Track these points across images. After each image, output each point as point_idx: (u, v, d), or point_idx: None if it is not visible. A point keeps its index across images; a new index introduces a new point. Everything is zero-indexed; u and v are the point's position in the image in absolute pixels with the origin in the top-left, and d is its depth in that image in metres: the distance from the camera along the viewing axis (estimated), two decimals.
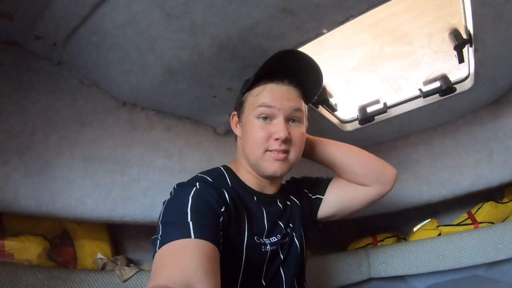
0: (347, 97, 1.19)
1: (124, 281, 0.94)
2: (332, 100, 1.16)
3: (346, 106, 1.24)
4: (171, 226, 0.57)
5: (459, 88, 1.05)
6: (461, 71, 1.03)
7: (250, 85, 0.74)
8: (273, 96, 0.72)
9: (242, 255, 0.69)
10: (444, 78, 1.04)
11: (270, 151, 0.72)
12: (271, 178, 0.77)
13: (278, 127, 0.71)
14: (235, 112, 0.81)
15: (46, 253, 0.93)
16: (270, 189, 0.81)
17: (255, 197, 0.77)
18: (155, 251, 0.55)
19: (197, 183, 0.67)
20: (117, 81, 0.96)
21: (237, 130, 0.81)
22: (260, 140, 0.72)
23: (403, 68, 1.03)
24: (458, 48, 0.88)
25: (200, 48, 0.82)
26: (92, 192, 0.92)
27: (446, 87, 1.03)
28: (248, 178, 0.78)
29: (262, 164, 0.73)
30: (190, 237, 0.54)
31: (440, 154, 1.32)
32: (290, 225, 0.82)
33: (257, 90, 0.74)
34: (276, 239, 0.76)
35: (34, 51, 0.89)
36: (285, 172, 0.74)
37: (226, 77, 0.92)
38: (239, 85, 0.90)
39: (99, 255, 0.99)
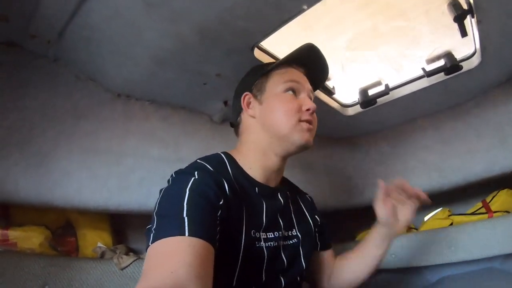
0: (347, 80, 1.15)
1: (122, 269, 0.96)
2: (330, 83, 1.12)
3: (347, 90, 1.20)
4: (165, 220, 0.57)
5: (466, 65, 0.98)
6: (467, 47, 0.96)
7: (272, 68, 0.80)
8: (298, 75, 0.81)
9: (240, 249, 0.67)
10: (448, 55, 0.97)
11: (302, 121, 0.76)
12: (300, 150, 0.78)
13: (306, 100, 0.78)
14: (247, 93, 0.81)
15: (48, 242, 0.97)
16: (273, 181, 0.80)
17: (256, 188, 0.75)
18: (148, 244, 0.55)
19: (196, 172, 0.65)
20: (110, 74, 0.99)
21: (249, 111, 0.80)
22: (293, 110, 0.76)
23: (402, 46, 0.98)
24: (459, 20, 0.81)
25: (183, 36, 0.81)
26: (89, 182, 0.95)
27: (451, 64, 0.96)
28: (252, 167, 0.77)
29: (295, 135, 0.75)
30: (184, 234, 0.53)
31: (450, 138, 1.24)
32: (296, 228, 0.81)
33: (282, 69, 0.81)
34: (273, 236, 0.73)
35: (31, 50, 0.94)
36: (312, 143, 0.79)
37: (213, 63, 0.92)
38: (228, 70, 0.95)
39: (99, 244, 1.02)
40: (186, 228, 0.53)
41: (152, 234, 0.55)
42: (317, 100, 1.11)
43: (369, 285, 1.45)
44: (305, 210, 0.90)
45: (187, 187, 0.60)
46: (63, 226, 1.06)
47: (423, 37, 0.93)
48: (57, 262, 0.92)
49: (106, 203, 0.96)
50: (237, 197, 0.68)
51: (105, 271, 0.95)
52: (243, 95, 0.82)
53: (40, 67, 0.94)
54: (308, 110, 0.77)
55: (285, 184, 0.89)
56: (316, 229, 0.91)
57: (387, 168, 1.38)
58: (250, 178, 0.76)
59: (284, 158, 0.81)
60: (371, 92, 1.14)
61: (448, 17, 0.84)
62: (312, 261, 0.88)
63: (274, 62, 0.84)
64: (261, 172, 0.77)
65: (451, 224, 1.32)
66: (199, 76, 0.98)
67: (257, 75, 0.82)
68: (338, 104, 1.21)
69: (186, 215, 0.55)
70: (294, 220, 0.83)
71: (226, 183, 0.67)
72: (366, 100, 1.14)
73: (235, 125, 0.86)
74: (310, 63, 0.83)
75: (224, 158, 0.76)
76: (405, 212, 0.83)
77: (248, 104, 0.81)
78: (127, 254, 1.01)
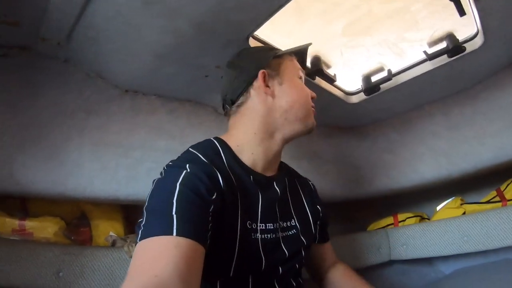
0: (349, 67, 1.14)
1: (131, 257, 1.01)
2: (331, 71, 1.12)
3: (351, 78, 1.19)
4: (154, 217, 0.56)
5: (469, 47, 0.95)
6: (469, 28, 0.93)
7: (284, 53, 0.81)
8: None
9: (236, 240, 0.65)
10: (450, 36, 0.95)
11: (312, 107, 0.81)
12: (308, 133, 0.82)
13: (309, 89, 0.83)
14: (264, 70, 0.77)
15: (63, 232, 1.03)
16: (270, 170, 0.78)
17: (251, 177, 0.72)
18: (137, 240, 0.55)
19: (188, 165, 0.62)
20: (116, 71, 1.04)
21: (268, 90, 0.76)
22: (309, 96, 0.81)
23: (401, 29, 0.96)
24: None
25: (180, 31, 0.84)
26: (99, 174, 1.00)
27: (453, 46, 0.94)
28: (253, 152, 0.74)
29: (310, 119, 0.80)
30: (172, 234, 0.51)
31: (458, 124, 1.21)
32: (294, 218, 0.79)
33: (290, 57, 0.82)
34: (271, 228, 0.72)
35: (43, 52, 0.99)
36: None
37: (212, 56, 0.94)
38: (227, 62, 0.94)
39: (111, 233, 1.08)
40: (174, 227, 0.52)
41: (141, 231, 0.54)
42: (320, 89, 1.11)
43: (382, 276, 1.44)
44: (304, 200, 0.87)
45: (177, 181, 0.59)
46: (78, 217, 1.12)
47: (421, 19, 0.92)
48: (71, 250, 0.96)
49: (115, 193, 1.01)
50: (231, 187, 0.67)
51: (116, 259, 0.99)
52: (261, 72, 0.76)
53: (51, 68, 1.00)
54: (313, 98, 0.83)
55: (283, 171, 0.86)
56: (318, 222, 0.88)
57: (395, 156, 1.36)
58: (245, 166, 0.73)
59: (287, 142, 0.80)
60: (374, 78, 1.13)
61: None
62: (309, 253, 0.85)
63: (276, 49, 0.85)
64: (261, 158, 0.75)
65: (464, 213, 1.28)
66: (200, 69, 1.01)
67: (268, 55, 0.80)
68: (341, 92, 1.21)
69: (175, 213, 0.54)
70: (293, 210, 0.81)
71: (220, 173, 0.65)
72: (370, 87, 1.13)
73: (236, 104, 0.78)
74: (301, 60, 0.87)
75: (218, 145, 0.74)
76: None
77: (267, 82, 0.77)
78: (137, 243, 1.05)
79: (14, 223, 0.97)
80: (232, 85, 0.79)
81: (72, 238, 1.05)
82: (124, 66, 1.00)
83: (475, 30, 0.93)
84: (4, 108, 0.93)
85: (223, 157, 0.71)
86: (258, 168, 0.76)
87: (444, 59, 0.99)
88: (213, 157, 0.69)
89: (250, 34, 0.88)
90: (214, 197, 0.61)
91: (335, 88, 1.17)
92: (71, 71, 1.04)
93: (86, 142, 1.00)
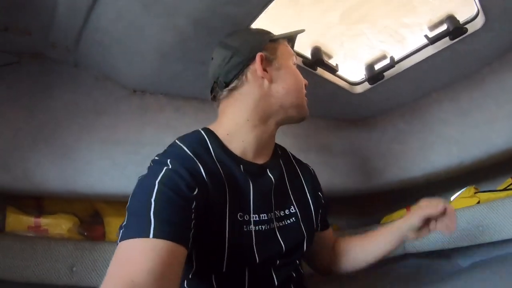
0: (352, 57, 1.14)
1: None
2: (332, 61, 1.12)
3: (354, 69, 1.19)
4: (133, 218, 0.54)
5: (471, 28, 0.93)
6: (468, 8, 0.92)
7: (279, 37, 0.78)
8: None
9: (225, 234, 0.62)
10: (450, 18, 0.93)
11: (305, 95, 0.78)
12: (301, 121, 0.80)
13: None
14: (262, 53, 0.72)
15: (77, 228, 1.07)
16: (262, 157, 0.75)
17: (242, 166, 0.69)
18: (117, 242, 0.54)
19: (169, 161, 0.60)
20: (123, 72, 1.08)
21: (266, 74, 0.72)
22: (303, 84, 0.78)
23: (398, 14, 0.96)
24: None
25: (180, 28, 0.87)
26: (109, 170, 1.04)
27: (454, 27, 0.92)
28: (244, 140, 0.71)
29: (304, 106, 0.77)
30: (149, 236, 0.49)
31: (468, 110, 1.18)
32: (294, 205, 0.76)
33: (285, 42, 0.79)
34: (266, 218, 0.68)
35: (54, 58, 1.05)
36: None
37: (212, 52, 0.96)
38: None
39: None
40: (152, 229, 0.50)
41: (121, 232, 0.53)
42: (323, 80, 1.12)
43: (397, 270, 1.41)
44: (305, 185, 0.82)
45: (157, 179, 0.56)
46: (91, 215, 1.16)
47: (418, 2, 0.91)
48: (84, 246, 1.01)
49: (125, 189, 1.04)
50: (218, 179, 0.64)
51: None
52: (259, 55, 0.72)
53: (62, 72, 1.06)
54: (306, 86, 0.79)
55: (279, 156, 0.81)
56: (320, 210, 0.84)
57: (405, 146, 1.34)
58: (234, 155, 0.70)
59: (280, 125, 0.78)
60: (377, 67, 1.12)
61: None
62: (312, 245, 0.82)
63: (270, 33, 0.80)
64: (253, 145, 0.72)
65: (478, 202, 1.23)
66: (202, 66, 1.02)
67: (264, 38, 0.76)
68: (345, 83, 1.20)
69: (153, 214, 0.52)
70: (292, 196, 0.77)
71: (203, 166, 0.62)
72: (373, 75, 1.12)
73: (229, 88, 0.73)
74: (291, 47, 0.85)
75: (205, 135, 0.71)
76: (437, 225, 0.80)
77: (262, 65, 0.72)
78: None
79: (30, 220, 1.02)
80: (226, 66, 0.73)
81: (85, 234, 1.09)
82: (131, 66, 1.04)
83: (475, 10, 0.91)
84: (19, 111, 0.99)
85: (211, 148, 0.68)
86: (249, 156, 0.72)
87: (446, 42, 0.98)
88: (199, 149, 0.66)
89: (247, 26, 0.90)
90: (195, 193, 0.58)
91: (339, 79, 1.17)
92: (81, 74, 1.09)
93: (96, 141, 1.04)
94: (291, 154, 0.88)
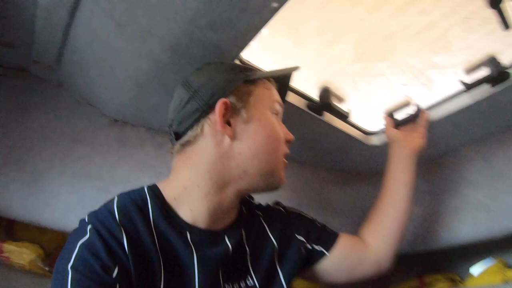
0: (368, 101, 0.95)
1: None
2: (344, 106, 0.93)
3: (371, 115, 1.00)
4: None
5: None
6: None
7: (260, 77, 0.64)
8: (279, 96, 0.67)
9: None
10: (492, 60, 0.73)
11: (284, 158, 0.64)
12: (272, 191, 0.64)
13: (286, 129, 0.65)
14: (226, 100, 0.58)
15: (40, 261, 0.97)
16: (220, 222, 0.61)
17: (188, 235, 0.57)
18: None
19: (89, 228, 0.52)
20: (103, 98, 0.99)
21: (227, 128, 0.57)
22: (282, 141, 0.63)
23: (427, 51, 0.76)
24: (495, 4, 0.59)
25: (155, 55, 0.76)
26: (75, 207, 0.94)
27: (497, 72, 0.72)
28: (188, 210, 0.58)
29: (277, 174, 0.62)
30: None
31: (502, 171, 0.94)
32: (251, 276, 0.63)
33: (267, 84, 0.65)
34: None
35: (37, 75, 0.99)
36: None
37: None
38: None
39: None
40: None
41: None
42: (332, 128, 0.94)
43: None
44: (274, 243, 0.68)
45: (69, 263, 0.49)
46: (60, 247, 1.06)
47: (451, 35, 0.72)
48: (42, 282, 0.93)
49: None
50: (148, 255, 0.53)
51: None
52: (220, 102, 0.57)
53: (44, 91, 0.99)
54: (289, 142, 0.65)
55: (244, 217, 0.68)
56: (303, 247, 0.70)
57: (424, 210, 1.10)
58: (182, 222, 0.57)
59: (244, 195, 0.64)
60: (398, 115, 0.93)
61: (480, 6, 0.63)
62: (325, 269, 0.73)
63: (255, 70, 0.67)
64: (204, 214, 0.58)
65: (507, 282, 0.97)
66: None
67: (237, 77, 0.61)
68: (359, 132, 1.02)
69: None
70: (251, 267, 0.64)
71: (128, 240, 0.51)
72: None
73: (181, 142, 0.60)
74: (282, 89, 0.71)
75: (148, 197, 0.58)
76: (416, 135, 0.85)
77: (229, 117, 0.58)
78: None
79: None
80: (180, 113, 0.60)
81: (47, 269, 0.99)
82: (109, 93, 0.95)
83: None
84: None
85: (150, 214, 0.56)
86: (201, 224, 0.59)
87: (485, 89, 0.77)
88: (132, 213, 0.55)
89: (235, 57, 0.76)
90: (115, 274, 0.48)
91: (351, 127, 0.99)
92: (63, 95, 1.02)
93: (67, 172, 0.96)
94: (260, 206, 0.74)
